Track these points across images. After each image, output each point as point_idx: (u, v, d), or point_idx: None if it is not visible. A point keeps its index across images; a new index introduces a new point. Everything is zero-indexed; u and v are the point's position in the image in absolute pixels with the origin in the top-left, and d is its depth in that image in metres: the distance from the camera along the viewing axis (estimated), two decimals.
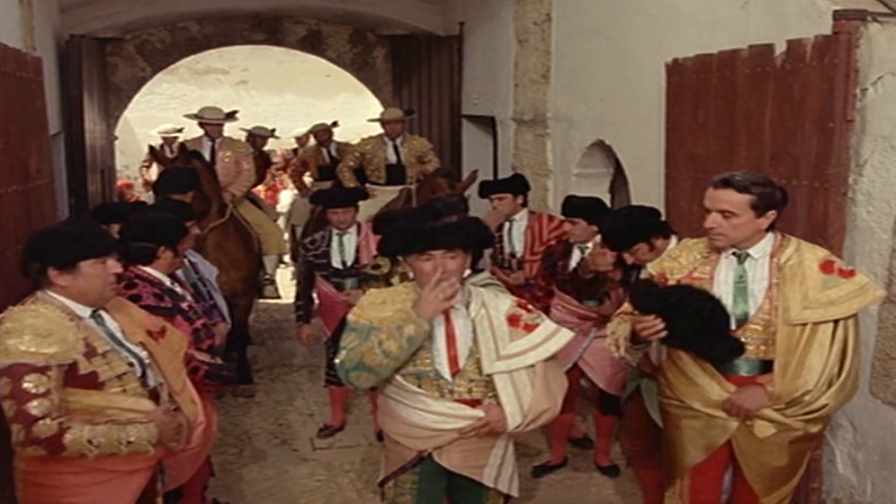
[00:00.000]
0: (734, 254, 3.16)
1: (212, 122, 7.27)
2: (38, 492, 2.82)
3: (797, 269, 3.08)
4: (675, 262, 3.30)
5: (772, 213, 3.10)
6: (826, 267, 3.09)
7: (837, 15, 3.66)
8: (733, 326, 3.11)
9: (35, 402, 2.63)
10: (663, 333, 3.06)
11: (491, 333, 3.06)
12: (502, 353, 3.04)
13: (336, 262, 5.42)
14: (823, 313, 3.03)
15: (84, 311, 2.84)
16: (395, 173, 7.65)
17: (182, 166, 6.18)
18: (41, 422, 2.63)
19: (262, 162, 9.65)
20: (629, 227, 3.94)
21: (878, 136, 3.60)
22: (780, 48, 3.92)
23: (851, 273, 3.11)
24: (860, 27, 3.63)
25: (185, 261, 4.36)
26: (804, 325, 3.03)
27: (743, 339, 3.10)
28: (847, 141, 3.69)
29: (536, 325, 3.10)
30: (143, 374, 2.93)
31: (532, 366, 3.06)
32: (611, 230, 4.04)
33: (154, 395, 2.96)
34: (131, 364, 2.89)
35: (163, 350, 3.08)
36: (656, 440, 4.02)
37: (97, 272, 2.84)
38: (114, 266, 2.89)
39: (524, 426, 3.06)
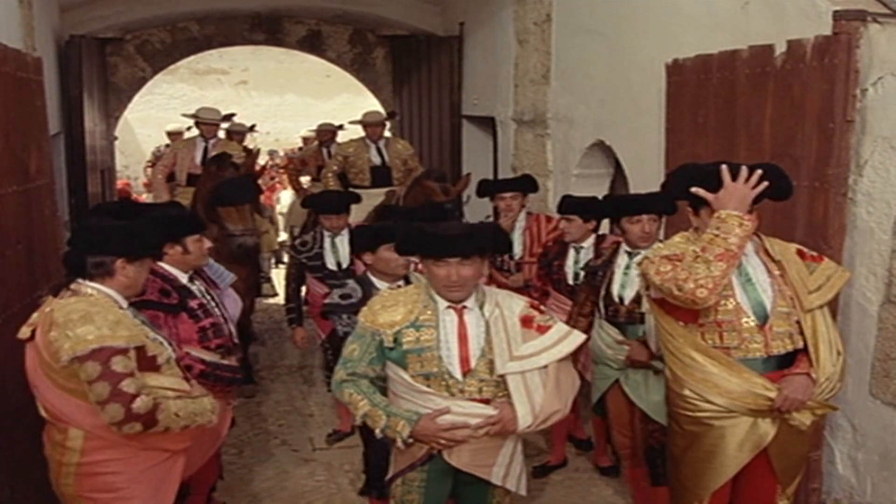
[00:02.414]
0: None
1: (208, 122, 7.26)
2: (93, 482, 2.93)
3: (790, 258, 3.17)
4: (683, 248, 3.24)
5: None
6: (802, 254, 3.22)
7: (837, 15, 3.66)
8: (756, 321, 3.12)
9: (127, 381, 2.78)
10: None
11: (505, 334, 3.07)
12: (515, 354, 3.04)
13: (331, 264, 5.40)
14: (822, 296, 3.13)
15: (124, 303, 2.99)
16: (380, 175, 7.58)
17: (240, 174, 6.13)
18: (139, 398, 2.78)
19: (248, 157, 9.59)
20: (651, 196, 4.14)
21: (878, 136, 3.60)
22: (780, 48, 3.92)
23: (820, 258, 3.26)
24: (860, 27, 3.62)
25: None
26: (812, 310, 3.11)
27: (771, 338, 3.12)
28: (847, 141, 3.69)
29: (549, 327, 3.12)
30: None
31: (545, 367, 3.06)
32: (632, 196, 4.28)
33: None
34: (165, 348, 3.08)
35: None
36: (644, 435, 4.05)
37: (148, 266, 3.12)
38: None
39: (534, 426, 3.07)
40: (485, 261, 3.13)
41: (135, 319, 2.98)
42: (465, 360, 3.06)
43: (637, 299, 4.03)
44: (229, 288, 4.68)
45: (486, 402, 3.06)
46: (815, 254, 3.28)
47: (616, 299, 4.14)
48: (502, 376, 3.04)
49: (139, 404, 2.77)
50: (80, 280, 2.93)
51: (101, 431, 2.87)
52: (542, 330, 3.10)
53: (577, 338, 3.13)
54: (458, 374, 3.05)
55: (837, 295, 3.37)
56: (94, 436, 2.88)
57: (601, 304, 4.21)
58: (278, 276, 10.07)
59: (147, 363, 2.91)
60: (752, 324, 3.11)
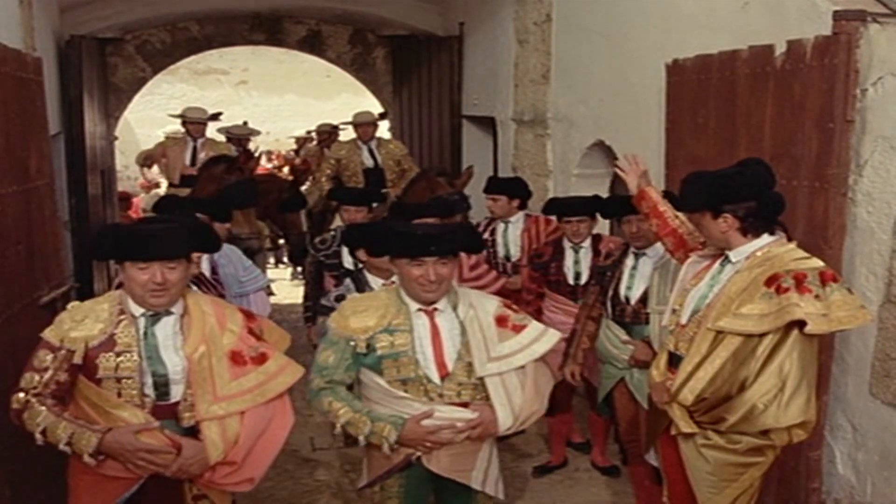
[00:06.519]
0: (724, 255, 3.16)
1: (195, 122, 7.23)
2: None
3: (747, 276, 3.01)
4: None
5: (727, 217, 3.02)
6: (770, 281, 2.92)
7: (837, 15, 3.66)
8: (685, 321, 3.14)
9: (27, 375, 2.82)
10: None
11: (481, 335, 3.03)
12: (493, 355, 3.02)
13: (347, 263, 5.38)
14: (729, 324, 2.96)
15: (137, 311, 2.88)
16: (373, 178, 7.52)
17: (242, 178, 6.12)
18: (18, 394, 2.81)
19: (246, 158, 9.58)
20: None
21: (878, 136, 3.60)
22: (780, 48, 3.92)
23: (786, 290, 2.87)
24: (860, 27, 3.62)
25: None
26: (719, 332, 2.99)
27: (680, 337, 3.14)
28: (847, 141, 3.68)
29: (525, 326, 3.11)
30: (166, 386, 2.89)
31: (522, 367, 3.05)
32: (617, 199, 4.29)
33: (169, 411, 2.90)
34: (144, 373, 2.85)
35: (213, 372, 3.01)
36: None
37: (136, 277, 2.82)
38: (154, 275, 2.82)
39: (514, 428, 3.07)
40: (457, 261, 3.13)
41: (136, 332, 2.85)
42: (441, 364, 3.02)
43: (643, 299, 4.06)
44: (261, 291, 4.67)
45: (465, 405, 3.03)
46: (786, 286, 2.86)
47: (623, 299, 4.19)
48: (481, 378, 3.00)
49: (14, 399, 2.81)
50: None
51: None
52: (518, 329, 3.09)
53: (553, 336, 3.13)
54: (436, 379, 3.02)
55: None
56: None
57: (608, 304, 4.26)
58: (277, 275, 10.11)
59: (85, 371, 2.82)
60: (681, 319, 3.17)
